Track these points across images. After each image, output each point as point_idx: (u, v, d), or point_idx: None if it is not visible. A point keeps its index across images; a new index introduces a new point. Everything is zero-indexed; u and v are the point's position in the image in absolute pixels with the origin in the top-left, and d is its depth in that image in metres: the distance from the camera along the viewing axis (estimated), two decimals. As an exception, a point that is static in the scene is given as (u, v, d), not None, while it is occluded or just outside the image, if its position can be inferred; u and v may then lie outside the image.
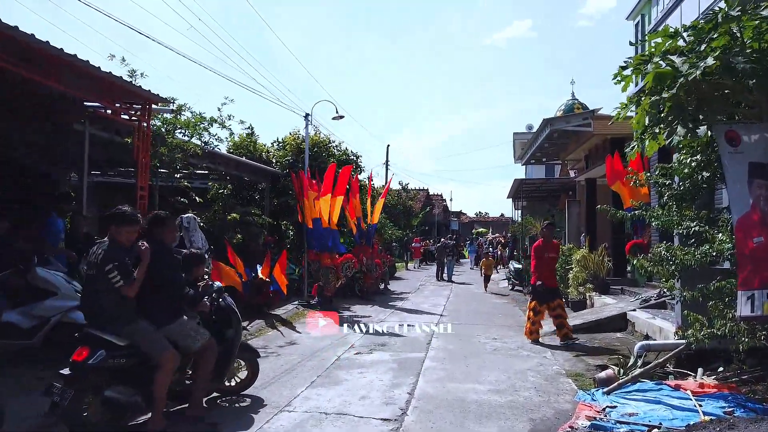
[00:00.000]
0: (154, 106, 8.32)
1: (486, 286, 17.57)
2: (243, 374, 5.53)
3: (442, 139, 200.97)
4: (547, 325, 9.90)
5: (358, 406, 5.12)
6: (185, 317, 4.68)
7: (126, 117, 8.13)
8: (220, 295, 5.13)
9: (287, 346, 8.01)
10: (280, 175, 16.36)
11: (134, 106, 8.11)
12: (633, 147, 5.52)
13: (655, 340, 7.51)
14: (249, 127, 17.58)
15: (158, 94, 7.73)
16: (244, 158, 16.22)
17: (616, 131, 14.26)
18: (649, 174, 6.15)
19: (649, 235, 11.69)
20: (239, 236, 11.99)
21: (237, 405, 5.17)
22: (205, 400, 4.99)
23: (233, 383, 5.46)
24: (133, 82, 8.10)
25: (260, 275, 9.89)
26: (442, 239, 28.34)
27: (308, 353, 7.49)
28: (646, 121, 5.21)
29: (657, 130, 5.24)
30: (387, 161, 38.85)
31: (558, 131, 15.55)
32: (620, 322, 9.01)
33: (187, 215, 8.20)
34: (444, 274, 21.57)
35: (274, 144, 18.21)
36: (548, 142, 17.45)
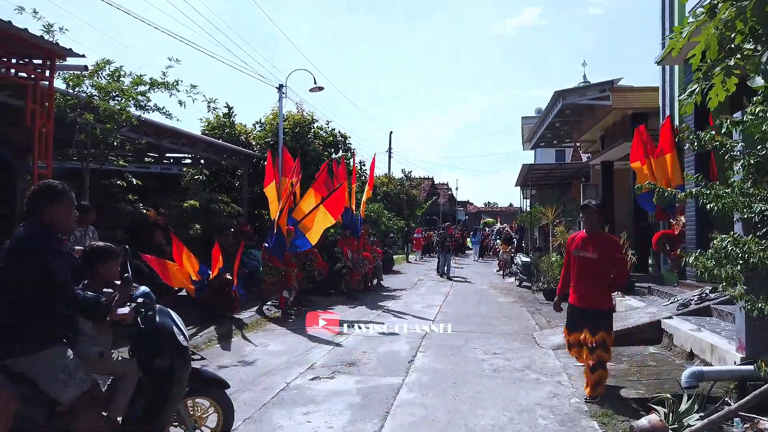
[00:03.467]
0: (63, 62, 6.60)
1: None
2: (212, 422, 3.87)
3: (450, 128, 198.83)
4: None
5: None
6: (67, 348, 3.08)
7: (25, 75, 6.40)
8: (146, 306, 3.33)
9: (232, 366, 6.30)
10: (259, 158, 14.65)
11: (35, 62, 6.38)
12: (693, 91, 3.73)
13: (705, 360, 5.74)
14: (226, 106, 15.88)
15: (57, 42, 6.02)
16: (220, 141, 14.55)
17: (639, 105, 12.42)
18: (711, 134, 4.31)
19: (681, 223, 9.83)
20: (197, 227, 10.25)
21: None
22: None
23: None
24: (54, 40, 6.43)
25: (214, 272, 8.21)
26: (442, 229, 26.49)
27: (251, 378, 5.79)
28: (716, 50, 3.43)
29: (732, 63, 3.46)
30: (390, 149, 37.01)
31: (571, 106, 13.69)
32: (652, 332, 7.22)
33: None
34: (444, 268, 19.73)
35: (255, 125, 16.48)
36: (559, 120, 15.59)
